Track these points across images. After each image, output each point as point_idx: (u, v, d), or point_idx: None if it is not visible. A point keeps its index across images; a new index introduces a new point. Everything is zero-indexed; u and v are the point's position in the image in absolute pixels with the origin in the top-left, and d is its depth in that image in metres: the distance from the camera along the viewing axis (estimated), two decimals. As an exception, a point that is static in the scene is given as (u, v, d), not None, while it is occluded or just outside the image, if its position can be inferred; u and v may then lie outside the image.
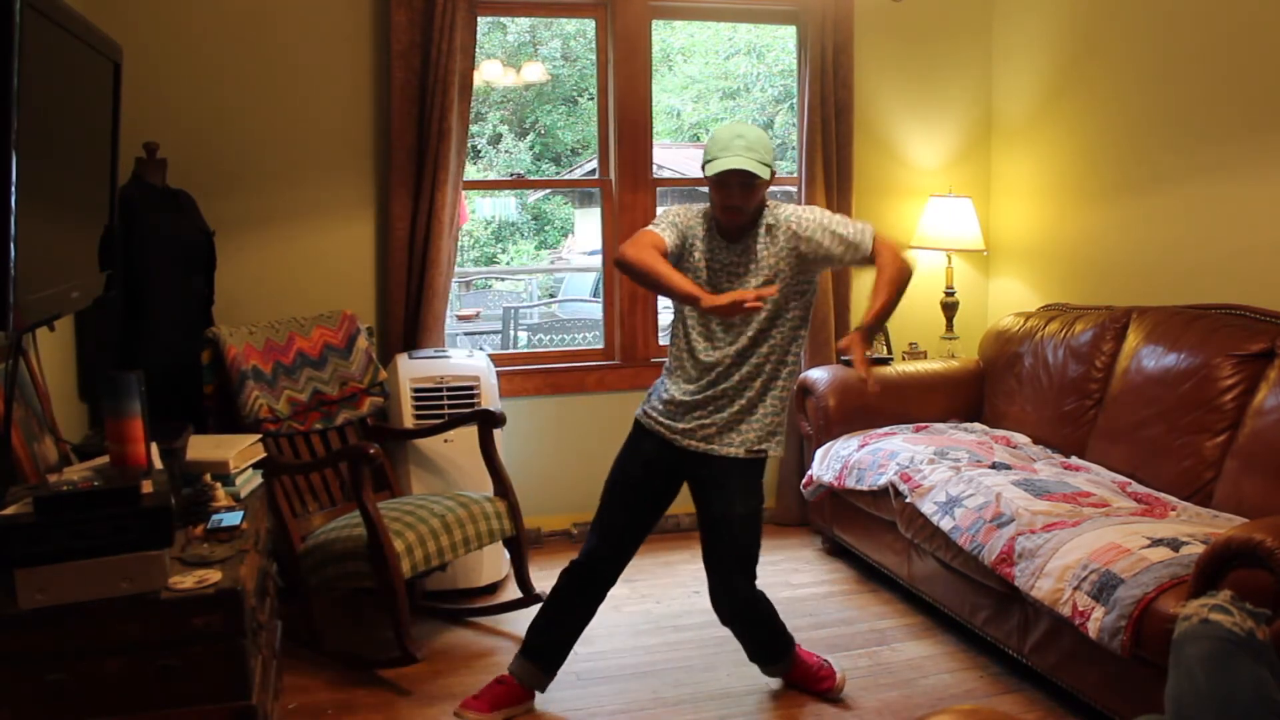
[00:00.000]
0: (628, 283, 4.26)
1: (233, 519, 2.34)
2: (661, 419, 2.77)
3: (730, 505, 2.76)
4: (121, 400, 2.24)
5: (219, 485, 2.55)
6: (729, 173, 2.59)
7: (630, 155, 4.23)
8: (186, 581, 2.01)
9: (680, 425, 2.74)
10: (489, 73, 8.51)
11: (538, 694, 2.89)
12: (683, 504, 4.36)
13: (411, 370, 3.61)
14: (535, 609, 3.44)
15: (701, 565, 3.98)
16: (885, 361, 4.21)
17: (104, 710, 1.93)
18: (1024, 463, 3.43)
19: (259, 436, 2.93)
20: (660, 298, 4.24)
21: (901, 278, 2.66)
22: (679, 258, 2.72)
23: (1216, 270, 3.48)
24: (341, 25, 3.83)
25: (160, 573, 1.96)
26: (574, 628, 2.88)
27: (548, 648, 2.86)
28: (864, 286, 4.53)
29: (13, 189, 1.83)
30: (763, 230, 2.70)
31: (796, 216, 2.68)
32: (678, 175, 9.16)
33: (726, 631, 3.35)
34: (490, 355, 3.91)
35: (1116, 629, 2.42)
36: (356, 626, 3.45)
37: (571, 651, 2.95)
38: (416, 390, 3.57)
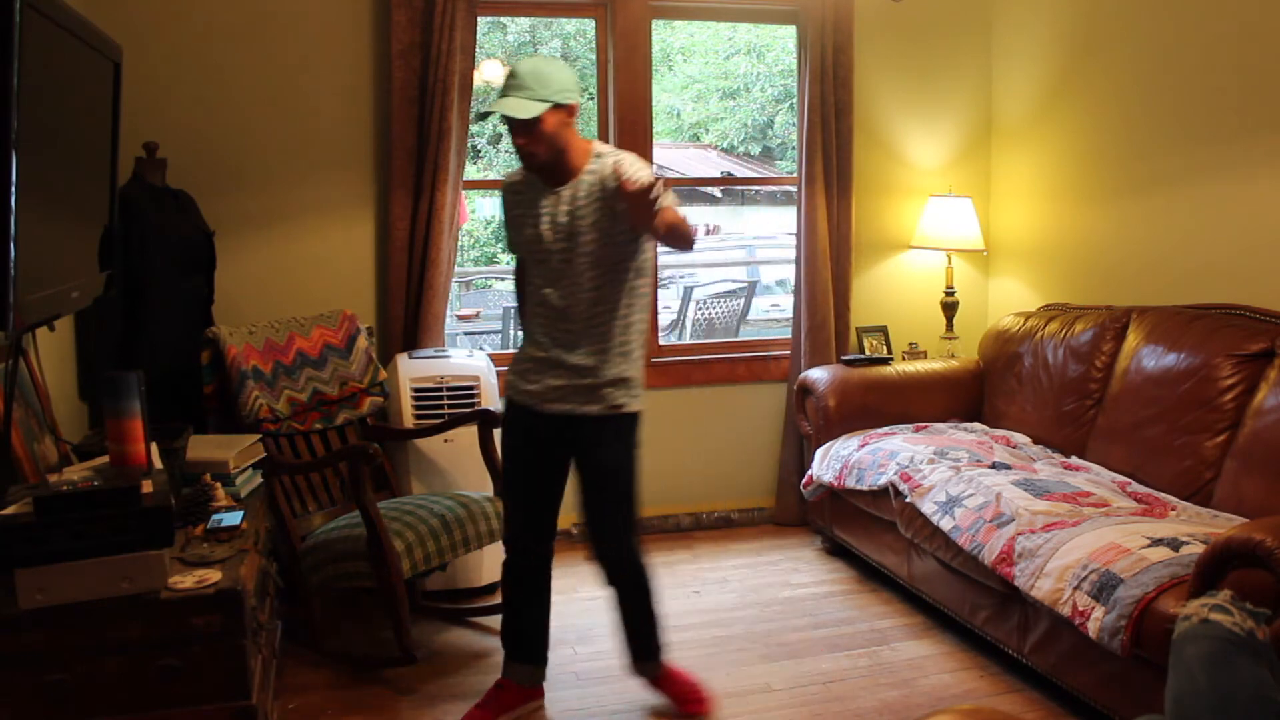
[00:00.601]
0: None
1: (233, 519, 2.34)
2: (524, 388, 2.70)
3: (600, 460, 2.69)
4: (121, 400, 2.24)
5: (219, 485, 2.55)
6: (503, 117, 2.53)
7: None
8: (186, 581, 2.01)
9: (538, 389, 2.67)
10: (489, 73, 8.51)
11: (544, 688, 2.91)
12: (682, 503, 4.38)
13: (411, 370, 3.61)
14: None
15: (702, 564, 4.00)
16: (885, 361, 4.21)
17: (104, 710, 1.93)
18: (1024, 462, 3.43)
19: (259, 436, 2.93)
20: (658, 296, 4.25)
21: (683, 226, 2.54)
22: (521, 230, 2.71)
23: (1216, 270, 3.48)
24: (341, 25, 3.83)
25: (160, 573, 1.96)
26: (539, 617, 2.86)
27: (525, 645, 2.85)
28: (864, 286, 4.53)
29: (13, 189, 1.83)
30: (590, 178, 2.60)
31: (619, 162, 2.55)
32: (678, 175, 9.17)
33: (726, 631, 3.36)
34: (490, 355, 3.91)
35: (1116, 629, 2.43)
36: (356, 626, 3.45)
37: (572, 650, 2.95)
38: (416, 390, 3.57)
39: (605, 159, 2.62)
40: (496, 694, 2.83)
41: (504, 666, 2.87)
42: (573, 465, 2.76)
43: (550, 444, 2.74)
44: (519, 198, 2.71)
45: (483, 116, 2.57)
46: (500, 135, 12.45)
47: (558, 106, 2.51)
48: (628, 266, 2.65)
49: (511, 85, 2.50)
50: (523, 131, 2.52)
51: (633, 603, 2.83)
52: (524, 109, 2.47)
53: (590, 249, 2.60)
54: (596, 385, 2.64)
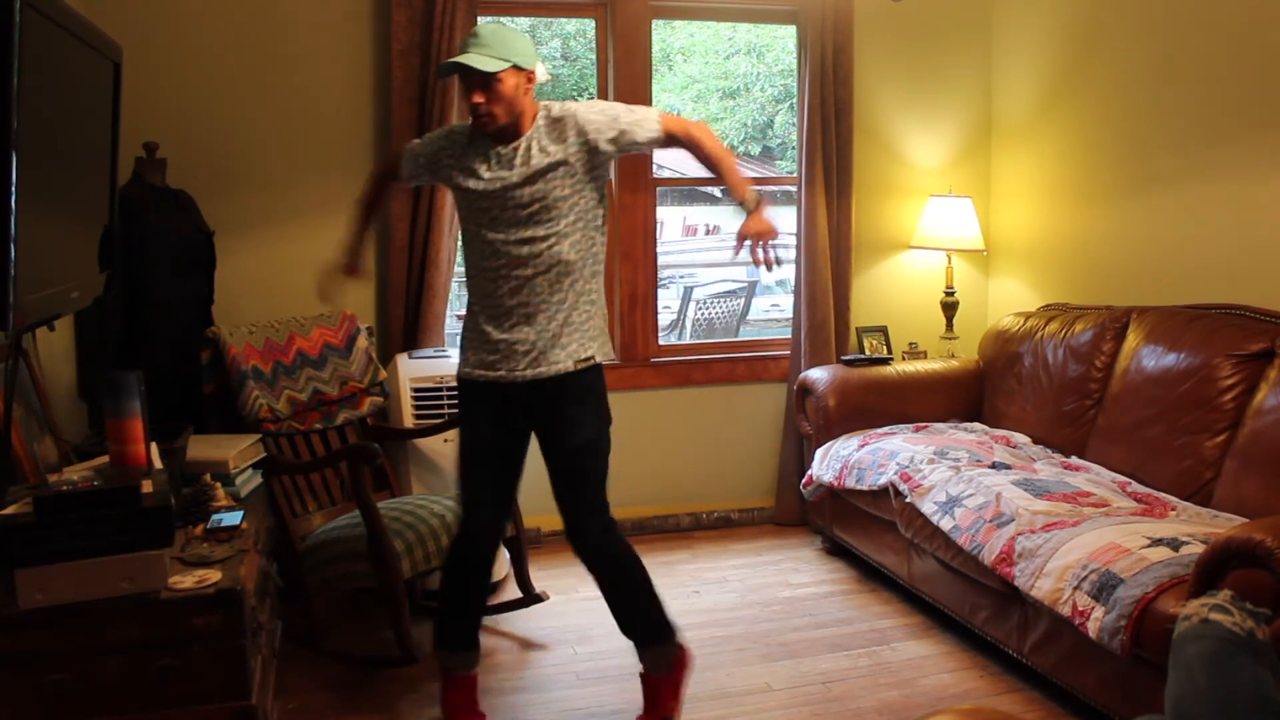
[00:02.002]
0: (627, 283, 4.27)
1: (233, 519, 2.34)
2: (481, 367, 2.61)
3: (573, 430, 2.61)
4: (121, 400, 2.24)
5: (219, 485, 2.55)
6: (461, 73, 2.48)
7: (630, 155, 4.22)
8: (186, 581, 2.01)
9: (499, 359, 2.58)
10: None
11: (527, 693, 2.94)
12: (682, 503, 4.38)
13: (411, 370, 3.61)
14: (534, 608, 3.46)
15: (702, 564, 4.00)
16: (885, 361, 4.21)
17: (104, 710, 1.93)
18: (1024, 462, 3.43)
19: (259, 436, 2.93)
20: (658, 297, 4.23)
21: (719, 145, 2.66)
22: (431, 174, 2.69)
23: (1216, 270, 3.48)
24: (341, 25, 3.83)
25: (160, 573, 1.96)
26: (474, 603, 2.80)
27: (460, 628, 2.77)
28: (864, 286, 4.53)
29: (13, 189, 1.83)
30: (542, 129, 2.57)
31: (581, 114, 2.58)
32: (678, 175, 9.15)
33: (726, 631, 3.36)
34: (490, 355, 3.90)
35: (1116, 629, 2.42)
36: (356, 626, 3.45)
37: (572, 651, 2.93)
38: (416, 390, 3.57)
39: (553, 110, 2.61)
40: (455, 690, 2.76)
41: (453, 659, 2.76)
42: (539, 432, 2.67)
43: (514, 422, 2.65)
44: (462, 149, 2.62)
45: (445, 72, 2.50)
46: (500, 135, 12.42)
47: (518, 69, 2.49)
48: (592, 217, 2.62)
49: (473, 43, 2.48)
50: (480, 88, 2.47)
51: (607, 586, 2.74)
52: (485, 63, 2.44)
53: (552, 198, 2.55)
54: (565, 345, 2.57)
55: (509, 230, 2.56)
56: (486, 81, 2.46)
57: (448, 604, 2.79)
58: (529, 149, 2.56)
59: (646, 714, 2.76)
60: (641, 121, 2.62)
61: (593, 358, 2.62)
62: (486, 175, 2.57)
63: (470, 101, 2.50)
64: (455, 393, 3.56)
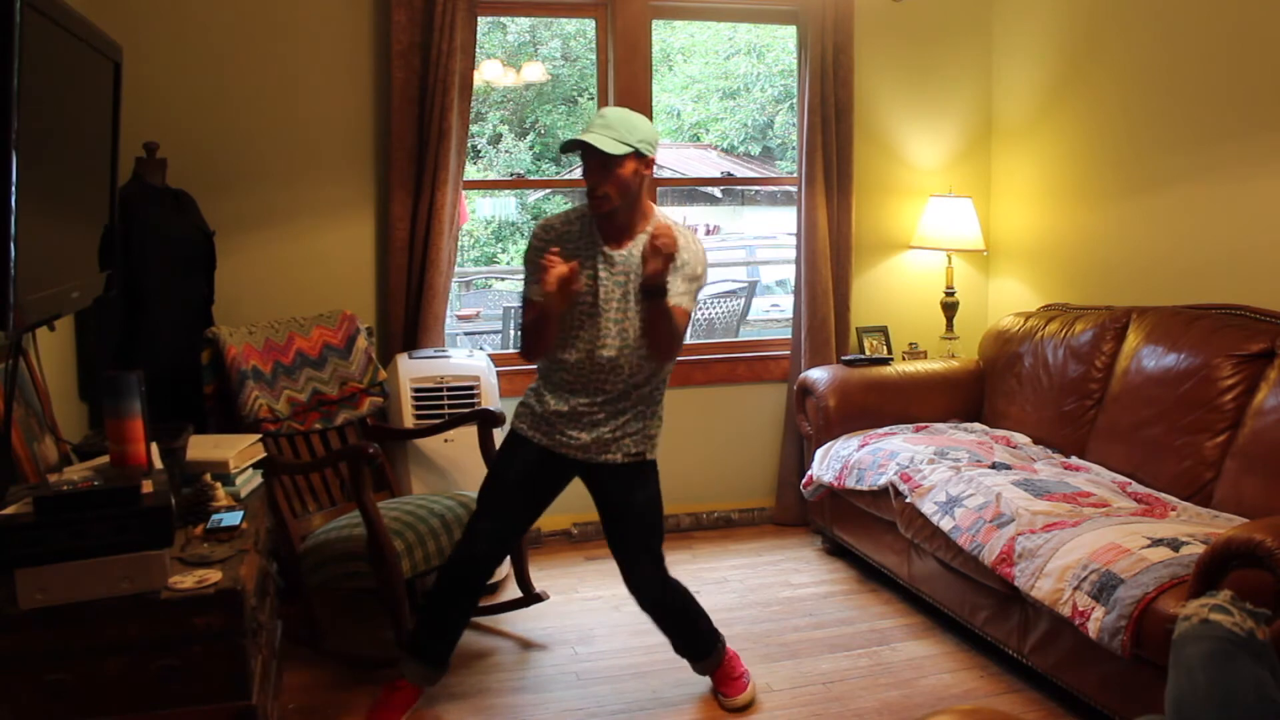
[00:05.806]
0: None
1: (233, 519, 2.34)
2: (538, 433, 2.72)
3: (629, 492, 2.75)
4: (121, 400, 2.24)
5: (219, 485, 2.55)
6: (583, 151, 2.53)
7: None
8: (186, 581, 2.01)
9: (559, 436, 2.70)
10: (489, 73, 8.51)
11: (527, 693, 2.93)
12: (682, 503, 4.38)
13: (411, 370, 3.61)
14: (534, 608, 3.46)
15: (702, 564, 4.00)
16: (885, 361, 4.21)
17: (104, 710, 1.93)
18: (1024, 463, 3.43)
19: (259, 436, 2.92)
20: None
21: (677, 327, 2.61)
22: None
23: (1216, 270, 3.48)
24: (341, 25, 3.83)
25: (160, 573, 1.96)
26: (462, 624, 2.84)
27: (441, 647, 2.80)
28: (864, 286, 4.53)
29: (13, 189, 1.83)
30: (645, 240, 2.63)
31: (697, 258, 2.66)
32: (678, 175, 9.16)
33: (726, 632, 3.33)
34: (490, 355, 3.91)
35: (1116, 629, 2.43)
36: (356, 626, 3.45)
37: (572, 651, 2.94)
38: (416, 390, 3.57)
39: (660, 222, 2.66)
40: (393, 694, 2.78)
41: (405, 664, 2.80)
42: (593, 492, 2.82)
43: (554, 478, 2.78)
44: (566, 247, 2.65)
45: (567, 148, 2.56)
46: (500, 135, 12.44)
47: (639, 155, 2.55)
48: None
49: (598, 125, 2.54)
50: (600, 171, 2.54)
51: (666, 621, 2.91)
52: (608, 144, 2.50)
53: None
54: (623, 442, 2.70)
55: (603, 328, 2.63)
56: (606, 162, 2.52)
57: (431, 618, 2.79)
58: (630, 255, 2.63)
59: (718, 684, 2.91)
60: (687, 295, 2.66)
61: (644, 454, 2.75)
62: (593, 277, 2.63)
63: (587, 180, 2.57)
64: (455, 392, 3.58)
